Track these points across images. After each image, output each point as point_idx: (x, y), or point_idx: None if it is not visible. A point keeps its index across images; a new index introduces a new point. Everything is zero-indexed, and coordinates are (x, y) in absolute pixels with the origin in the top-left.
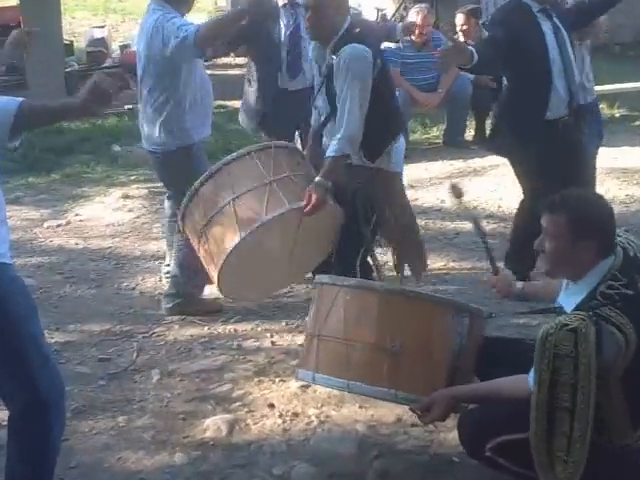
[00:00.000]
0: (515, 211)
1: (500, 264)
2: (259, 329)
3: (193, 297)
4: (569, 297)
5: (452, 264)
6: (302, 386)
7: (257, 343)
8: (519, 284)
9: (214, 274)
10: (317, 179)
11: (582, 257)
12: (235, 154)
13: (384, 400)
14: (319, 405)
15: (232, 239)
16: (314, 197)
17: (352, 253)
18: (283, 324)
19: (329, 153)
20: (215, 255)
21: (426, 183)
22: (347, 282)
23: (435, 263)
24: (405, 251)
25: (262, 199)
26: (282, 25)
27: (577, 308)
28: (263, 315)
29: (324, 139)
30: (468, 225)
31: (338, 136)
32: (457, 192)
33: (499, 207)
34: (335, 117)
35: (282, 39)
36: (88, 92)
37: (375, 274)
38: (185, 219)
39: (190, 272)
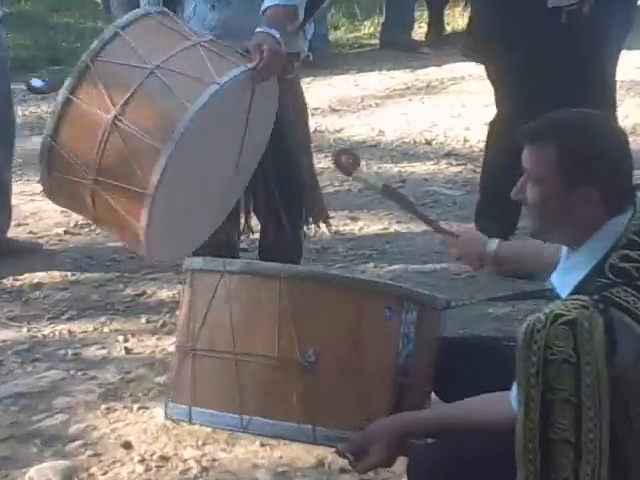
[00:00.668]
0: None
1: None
2: (106, 330)
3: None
4: (566, 274)
5: (396, 227)
6: None
7: (104, 351)
8: (492, 244)
9: (150, 184)
10: (259, 29)
11: (580, 211)
12: (129, 15)
13: (297, 441)
14: (200, 443)
15: (180, 115)
16: (267, 49)
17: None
18: (143, 322)
19: (272, 2)
20: (145, 158)
21: (356, 105)
22: (231, 266)
23: (370, 225)
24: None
25: (200, 61)
26: None
27: (577, 290)
28: (112, 308)
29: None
30: (419, 169)
31: None
32: (347, 161)
33: (465, 141)
34: None
35: None
36: None
37: None
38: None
39: None
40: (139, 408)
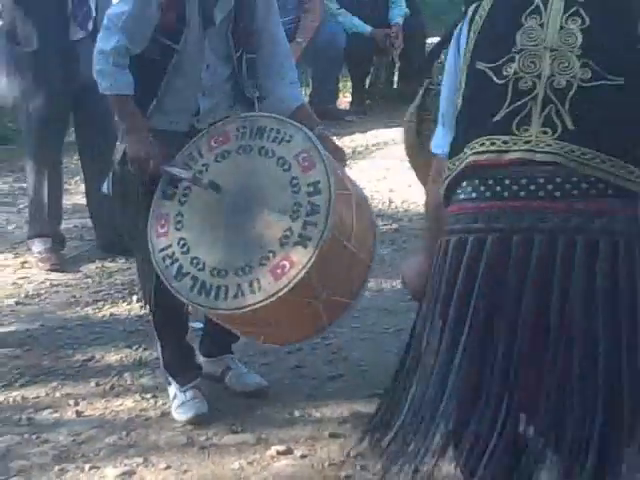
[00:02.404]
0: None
1: None
2: (58, 394)
3: None
4: None
5: None
6: (123, 473)
7: (56, 415)
8: None
9: (358, 296)
10: (321, 129)
11: None
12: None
13: None
14: None
15: (372, 229)
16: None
17: None
18: (92, 385)
19: (301, 100)
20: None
21: None
22: None
23: None
24: None
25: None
26: None
27: None
28: (63, 373)
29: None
30: None
31: (291, 80)
32: None
33: (390, 202)
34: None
35: None
36: None
37: None
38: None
39: None
40: (90, 468)
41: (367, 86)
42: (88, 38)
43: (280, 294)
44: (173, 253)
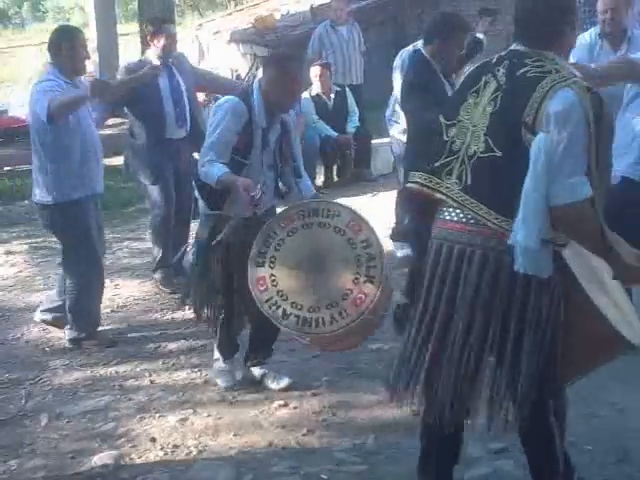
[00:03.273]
0: None
1: None
2: (138, 369)
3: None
4: None
5: None
6: (180, 419)
7: (137, 382)
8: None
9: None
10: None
11: None
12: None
13: None
14: (197, 436)
15: None
16: None
17: None
18: (160, 363)
19: (313, 190)
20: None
21: None
22: None
23: None
24: None
25: None
26: (161, 84)
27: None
28: (142, 356)
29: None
30: None
31: (307, 179)
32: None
33: None
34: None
35: (165, 95)
36: None
37: None
38: None
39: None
40: (159, 416)
41: (334, 170)
42: (187, 137)
43: (362, 317)
44: (276, 302)
